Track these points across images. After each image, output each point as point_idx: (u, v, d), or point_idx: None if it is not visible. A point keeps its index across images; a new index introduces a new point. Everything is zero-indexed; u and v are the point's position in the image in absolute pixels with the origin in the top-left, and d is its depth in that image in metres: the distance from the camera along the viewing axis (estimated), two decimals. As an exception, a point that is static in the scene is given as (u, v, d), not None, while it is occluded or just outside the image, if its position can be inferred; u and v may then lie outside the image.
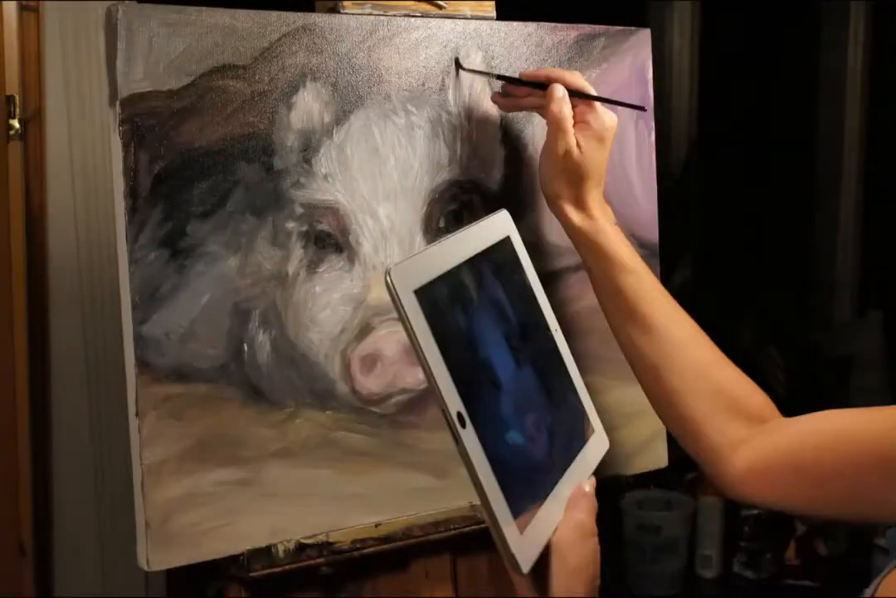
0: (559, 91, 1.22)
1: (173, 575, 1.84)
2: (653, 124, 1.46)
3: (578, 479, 0.96)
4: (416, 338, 0.76)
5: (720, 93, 2.96)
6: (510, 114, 1.34)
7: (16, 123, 1.65)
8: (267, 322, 1.22)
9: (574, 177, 1.21)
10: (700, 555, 2.43)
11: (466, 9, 1.33)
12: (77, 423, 1.75)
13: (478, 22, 1.33)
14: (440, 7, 1.31)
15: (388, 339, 1.26)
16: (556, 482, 0.92)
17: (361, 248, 1.26)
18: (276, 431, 1.23)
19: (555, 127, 1.21)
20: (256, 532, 1.22)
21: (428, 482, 1.32)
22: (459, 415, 0.80)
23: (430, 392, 0.80)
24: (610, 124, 1.23)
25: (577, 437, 1.01)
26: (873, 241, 3.13)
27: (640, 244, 1.44)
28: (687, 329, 1.16)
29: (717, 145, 2.93)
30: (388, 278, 0.75)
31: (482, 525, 1.35)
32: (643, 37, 1.44)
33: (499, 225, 0.97)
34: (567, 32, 1.38)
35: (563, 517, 0.91)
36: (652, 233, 1.46)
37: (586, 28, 1.40)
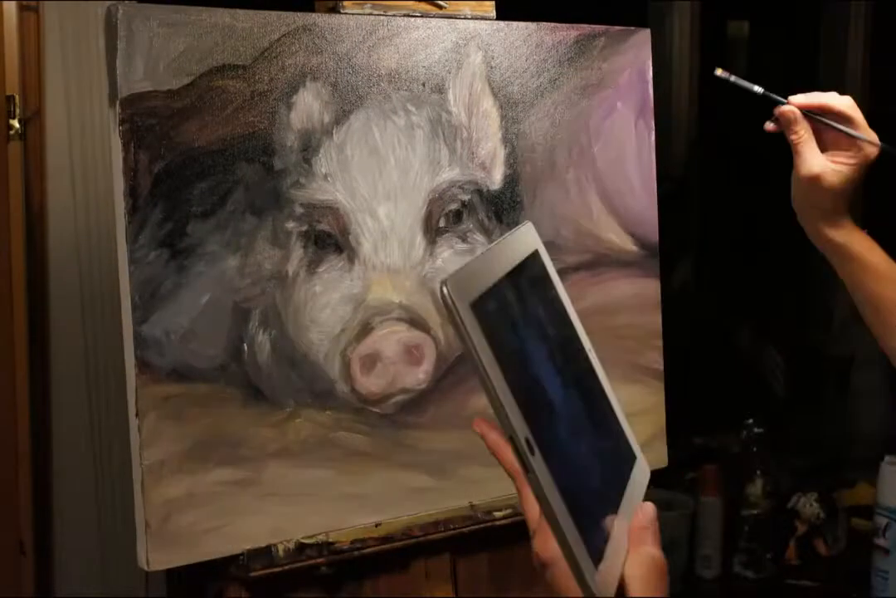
0: (791, 114, 1.21)
1: (173, 575, 1.84)
2: (653, 124, 1.46)
3: (633, 507, 0.90)
4: (479, 356, 0.72)
5: (720, 93, 2.96)
6: (510, 113, 1.34)
7: (16, 123, 1.64)
8: (267, 322, 1.22)
9: (821, 196, 1.19)
10: (700, 555, 2.42)
11: (466, 9, 1.33)
12: (77, 423, 1.74)
13: (478, 22, 1.33)
14: (440, 7, 1.31)
15: (388, 339, 1.26)
16: (616, 512, 0.87)
17: (361, 248, 1.26)
18: (276, 431, 1.23)
19: (794, 150, 1.20)
20: (256, 532, 1.22)
21: (428, 482, 1.32)
22: (527, 441, 0.74)
23: (491, 413, 0.75)
24: (874, 153, 1.20)
25: (625, 463, 0.96)
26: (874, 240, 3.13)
27: (641, 244, 1.44)
28: None
29: (717, 146, 2.93)
30: (444, 290, 0.71)
31: (482, 525, 1.36)
32: (643, 37, 1.44)
33: (527, 239, 0.94)
34: (567, 32, 1.38)
35: (632, 552, 0.86)
36: (652, 233, 1.46)
37: (586, 28, 1.40)
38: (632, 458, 0.98)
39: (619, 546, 0.85)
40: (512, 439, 0.74)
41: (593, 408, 0.92)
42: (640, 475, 0.97)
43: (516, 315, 0.81)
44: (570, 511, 0.76)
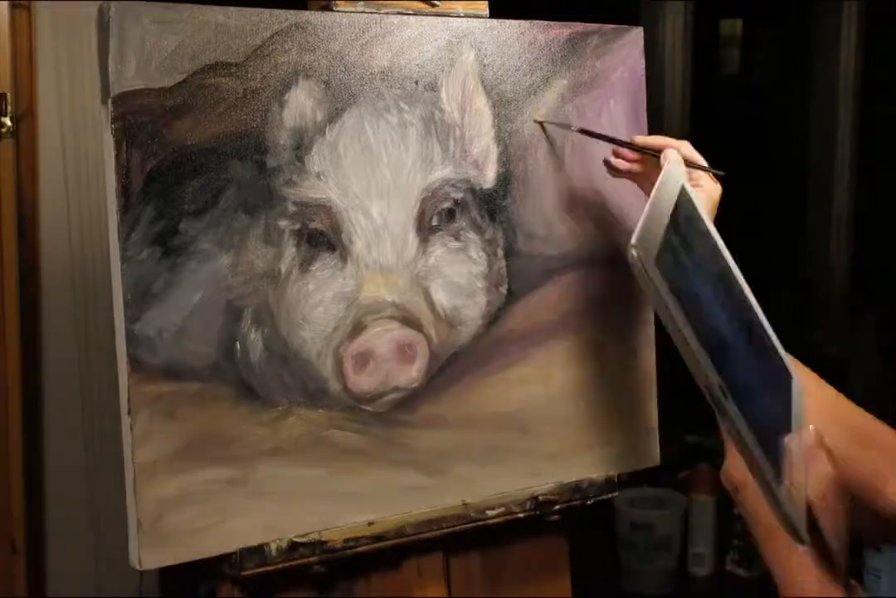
0: (675, 154, 1.24)
1: (167, 574, 1.84)
2: (646, 122, 1.46)
3: (801, 423, 0.92)
4: (673, 316, 0.73)
5: (713, 92, 2.96)
6: (502, 112, 1.34)
7: (7, 121, 1.64)
8: (259, 320, 1.21)
9: None
10: (693, 553, 2.43)
11: (459, 7, 1.33)
12: (69, 421, 1.75)
13: (470, 20, 1.33)
14: (433, 5, 1.31)
15: (381, 337, 1.26)
16: (789, 431, 0.89)
17: (354, 246, 1.25)
18: (269, 429, 1.23)
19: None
20: (249, 531, 1.22)
21: (420, 481, 1.32)
22: (721, 387, 0.76)
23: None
24: (717, 192, 1.27)
25: (786, 383, 0.97)
26: (867, 241, 3.14)
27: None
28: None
29: (709, 145, 2.93)
30: (634, 253, 0.71)
31: (475, 524, 1.36)
32: (636, 35, 1.44)
33: (675, 173, 0.93)
34: (560, 31, 1.38)
35: (812, 475, 0.87)
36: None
37: (579, 26, 1.40)
38: (789, 376, 0.98)
39: (799, 465, 0.86)
40: (707, 388, 0.76)
41: (753, 335, 0.93)
42: (797, 389, 0.98)
43: (685, 260, 0.81)
44: (759, 443, 0.78)
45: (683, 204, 0.88)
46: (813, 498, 0.85)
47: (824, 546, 0.86)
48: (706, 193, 1.24)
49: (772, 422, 0.87)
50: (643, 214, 0.77)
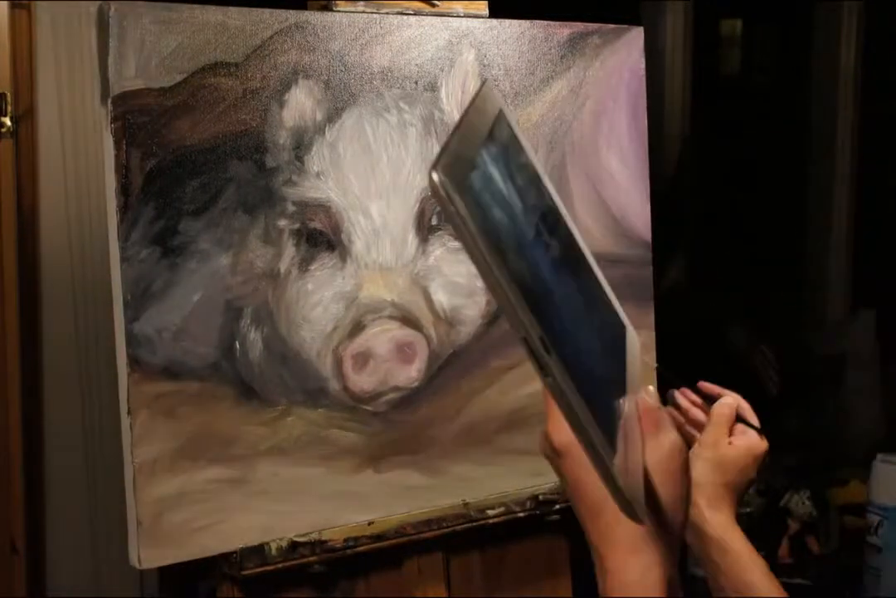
0: (732, 401, 1.19)
1: (167, 574, 1.84)
2: (645, 122, 1.46)
3: (637, 383, 0.83)
4: (480, 250, 0.63)
5: (713, 93, 2.96)
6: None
7: (7, 121, 1.64)
8: (259, 320, 1.22)
9: (719, 470, 1.16)
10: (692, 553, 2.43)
11: (459, 7, 1.33)
12: (69, 421, 1.74)
13: (470, 20, 1.33)
14: (433, 5, 1.31)
15: (380, 337, 1.26)
16: (624, 392, 0.80)
17: (353, 246, 1.25)
18: (268, 429, 1.23)
19: (715, 421, 1.17)
20: (249, 530, 1.22)
21: (420, 481, 1.32)
22: (542, 340, 0.66)
23: (499, 320, 0.68)
24: (761, 448, 1.18)
25: (619, 336, 0.88)
26: (866, 240, 3.14)
27: (634, 242, 1.44)
28: None
29: (710, 146, 2.93)
30: (436, 177, 0.61)
31: (474, 523, 1.36)
32: (636, 35, 1.44)
33: (490, 98, 0.80)
34: (560, 30, 1.38)
35: (648, 438, 0.78)
36: (645, 230, 1.46)
37: (579, 26, 1.40)
38: (622, 328, 0.89)
39: (635, 431, 0.78)
40: (525, 340, 0.66)
41: (582, 281, 0.83)
42: (633, 346, 0.89)
43: (501, 191, 0.70)
44: (587, 405, 0.69)
45: (500, 130, 0.77)
46: (651, 468, 0.77)
47: (660, 522, 0.77)
48: (748, 447, 1.17)
49: (604, 383, 0.77)
50: (450, 134, 0.67)
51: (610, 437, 0.71)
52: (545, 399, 0.75)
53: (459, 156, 0.65)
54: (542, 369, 0.67)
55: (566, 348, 0.69)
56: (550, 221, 0.79)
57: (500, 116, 0.78)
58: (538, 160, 0.84)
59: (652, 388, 0.82)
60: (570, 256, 0.82)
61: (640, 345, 0.90)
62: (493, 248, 0.63)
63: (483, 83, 0.81)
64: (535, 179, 0.81)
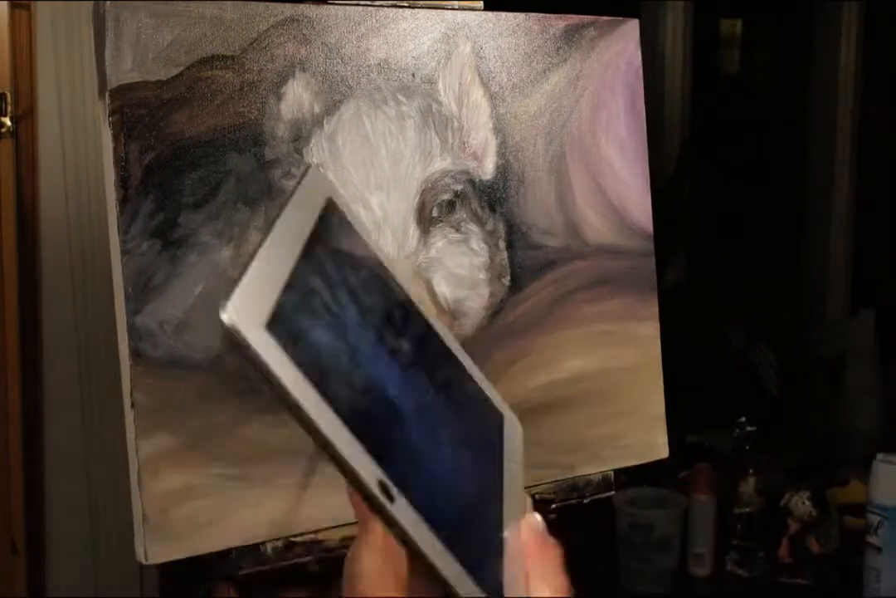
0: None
1: (166, 575, 1.83)
2: (643, 114, 1.46)
3: (518, 496, 0.73)
4: (291, 394, 0.53)
5: (713, 93, 2.97)
6: (500, 103, 1.34)
7: (7, 121, 1.65)
8: (260, 312, 1.21)
9: None
10: (692, 553, 2.43)
11: (454, -1, 1.34)
12: (70, 419, 1.74)
13: (465, 12, 1.33)
14: (428, -3, 1.32)
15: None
16: (500, 515, 0.69)
17: (353, 238, 1.25)
18: (274, 423, 1.22)
19: None
20: (255, 526, 1.21)
21: (421, 476, 1.31)
22: (382, 485, 0.58)
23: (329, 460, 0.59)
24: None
25: (496, 430, 0.77)
26: (865, 239, 3.14)
27: (634, 235, 1.44)
28: None
29: (709, 145, 2.94)
30: (227, 319, 0.53)
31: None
32: (632, 27, 1.44)
33: (315, 188, 0.69)
34: (556, 23, 1.38)
35: (540, 569, 0.69)
36: (646, 224, 1.46)
37: (575, 18, 1.40)
38: (499, 418, 0.79)
39: (516, 564, 0.68)
40: (361, 486, 0.58)
41: (444, 378, 0.73)
42: (512, 437, 0.78)
43: (326, 303, 0.60)
44: (452, 550, 0.58)
45: (329, 224, 0.67)
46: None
47: None
48: None
49: (475, 511, 0.66)
50: (250, 255, 0.59)
51: (480, 577, 0.60)
52: (357, 512, 0.64)
53: (262, 281, 0.58)
54: (386, 521, 0.57)
55: (419, 481, 0.60)
56: (398, 318, 0.70)
57: (329, 208, 0.68)
58: (381, 251, 0.75)
59: (535, 516, 0.72)
60: (429, 352, 0.72)
61: (521, 433, 0.79)
62: (308, 385, 0.53)
63: (305, 171, 0.71)
64: (378, 273, 0.73)
